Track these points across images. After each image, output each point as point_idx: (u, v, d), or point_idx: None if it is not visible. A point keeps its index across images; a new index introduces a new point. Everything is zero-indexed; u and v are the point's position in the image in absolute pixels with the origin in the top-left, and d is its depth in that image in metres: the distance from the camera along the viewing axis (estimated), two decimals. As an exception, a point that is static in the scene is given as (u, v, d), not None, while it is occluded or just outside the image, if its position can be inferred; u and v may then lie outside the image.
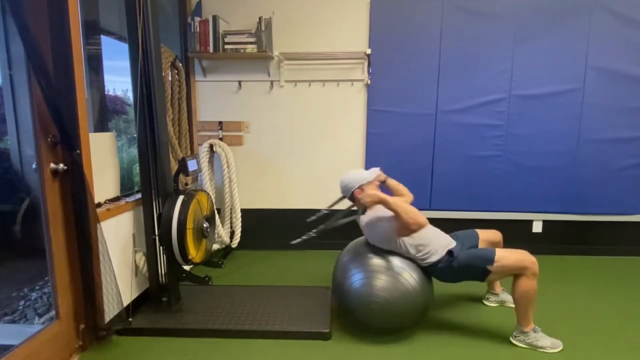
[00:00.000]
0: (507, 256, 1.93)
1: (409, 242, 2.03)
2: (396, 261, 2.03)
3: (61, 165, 1.81)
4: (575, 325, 2.21)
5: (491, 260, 1.93)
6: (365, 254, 2.10)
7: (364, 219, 2.13)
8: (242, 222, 3.27)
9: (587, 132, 3.14)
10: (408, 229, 2.00)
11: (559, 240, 3.29)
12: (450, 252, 2.01)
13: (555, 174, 3.21)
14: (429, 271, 2.07)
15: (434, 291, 2.12)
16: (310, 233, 2.16)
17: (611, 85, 3.08)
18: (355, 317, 2.08)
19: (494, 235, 2.28)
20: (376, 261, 2.04)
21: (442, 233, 2.13)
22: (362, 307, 2.01)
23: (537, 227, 3.32)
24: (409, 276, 1.99)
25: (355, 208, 2.21)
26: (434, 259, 2.02)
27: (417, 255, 2.04)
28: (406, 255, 2.05)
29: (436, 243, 2.05)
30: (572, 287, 2.70)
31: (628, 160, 3.16)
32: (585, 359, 1.91)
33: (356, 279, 2.04)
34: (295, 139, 3.33)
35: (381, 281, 1.98)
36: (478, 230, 2.27)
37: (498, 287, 2.45)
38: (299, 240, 2.18)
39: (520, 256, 1.93)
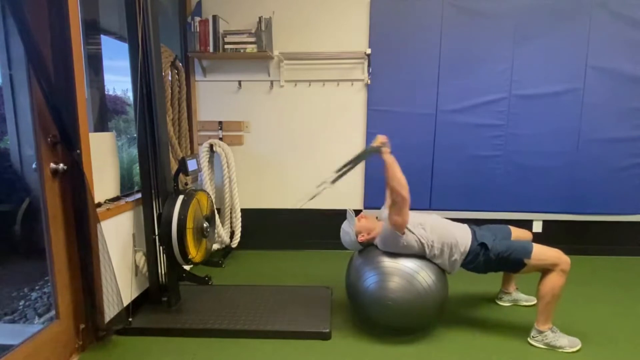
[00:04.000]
0: (544, 252, 1.95)
1: (430, 244, 2.02)
2: (412, 262, 2.01)
3: (61, 165, 1.81)
4: (575, 325, 2.21)
5: (529, 253, 1.94)
6: (379, 256, 2.08)
7: (378, 242, 2.11)
8: (242, 222, 3.27)
9: (587, 132, 3.14)
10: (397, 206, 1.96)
11: (559, 240, 3.29)
12: (484, 245, 2.01)
13: (555, 174, 3.21)
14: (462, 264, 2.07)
15: (448, 292, 2.11)
16: (328, 181, 2.11)
17: (611, 85, 3.08)
18: (369, 317, 2.07)
19: (524, 234, 2.28)
20: (391, 262, 2.02)
21: (453, 224, 2.12)
22: (377, 306, 2.00)
23: (537, 227, 3.32)
24: (426, 275, 1.98)
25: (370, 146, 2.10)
26: (459, 253, 2.02)
27: (445, 255, 2.03)
28: (433, 257, 2.04)
29: (452, 236, 2.03)
30: (573, 287, 2.69)
31: (628, 160, 3.16)
32: (587, 357, 1.92)
33: (371, 280, 2.02)
34: (295, 138, 3.33)
35: (396, 281, 1.97)
36: (511, 227, 2.27)
37: (512, 286, 2.45)
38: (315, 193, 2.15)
39: (556, 254, 1.95)
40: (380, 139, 2.04)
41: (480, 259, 2.02)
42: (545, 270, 1.97)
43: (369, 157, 2.09)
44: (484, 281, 2.73)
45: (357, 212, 2.25)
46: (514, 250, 1.98)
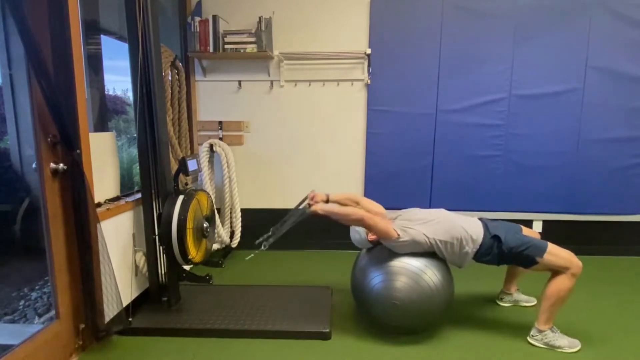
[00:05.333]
0: (558, 253, 1.94)
1: (438, 239, 2.01)
2: (418, 260, 2.00)
3: (61, 165, 1.81)
4: (578, 324, 2.21)
5: (543, 252, 1.94)
6: (384, 255, 2.07)
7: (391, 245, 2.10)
8: (242, 222, 3.27)
9: (587, 132, 3.14)
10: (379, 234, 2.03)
11: (559, 240, 3.23)
12: (497, 238, 2.00)
13: (555, 174, 3.21)
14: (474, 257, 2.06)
15: (454, 291, 2.11)
16: (267, 238, 2.20)
17: (611, 85, 3.08)
18: (375, 316, 2.06)
19: (533, 234, 2.24)
20: (397, 262, 2.02)
21: (461, 217, 2.11)
22: (383, 306, 2.00)
23: (537, 227, 3.32)
24: (432, 274, 1.97)
25: (301, 206, 2.20)
26: (470, 246, 2.01)
27: (455, 249, 2.02)
28: (443, 252, 2.04)
29: (461, 229, 2.02)
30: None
31: (628, 160, 3.16)
32: (587, 358, 1.92)
33: (377, 280, 2.01)
34: (295, 138, 3.33)
35: (403, 280, 1.96)
36: (521, 226, 2.24)
37: (514, 287, 2.45)
38: (258, 249, 2.18)
39: (570, 256, 1.94)
40: (309, 195, 2.12)
41: (494, 251, 2.01)
42: (555, 272, 1.96)
43: (302, 218, 2.13)
44: (484, 281, 2.74)
45: (302, 210, 2.25)
46: (528, 246, 1.96)
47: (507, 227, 2.10)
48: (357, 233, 2.17)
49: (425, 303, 1.96)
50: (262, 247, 2.17)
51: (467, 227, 2.03)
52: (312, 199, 2.20)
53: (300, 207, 2.19)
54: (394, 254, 2.05)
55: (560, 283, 1.92)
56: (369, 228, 2.03)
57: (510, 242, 1.98)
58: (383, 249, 2.10)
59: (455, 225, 2.03)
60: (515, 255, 1.99)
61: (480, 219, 2.14)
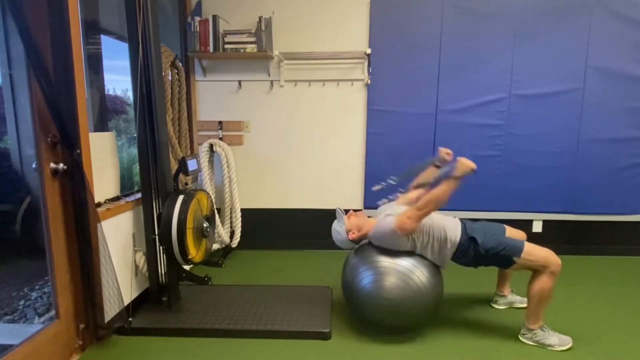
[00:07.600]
0: (535, 252, 1.95)
1: (415, 237, 2.02)
2: (407, 260, 2.01)
3: (61, 165, 1.81)
4: (575, 324, 2.21)
5: (519, 252, 1.94)
6: (374, 255, 2.08)
7: (372, 237, 2.11)
8: (242, 222, 3.27)
9: (587, 132, 3.14)
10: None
11: (559, 240, 3.29)
12: (474, 239, 2.00)
13: (555, 174, 3.21)
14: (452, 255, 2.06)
15: (443, 290, 2.12)
16: (391, 180, 2.26)
17: (611, 85, 3.08)
18: (365, 316, 2.07)
19: (519, 234, 2.25)
20: (386, 262, 2.02)
21: (442, 217, 2.11)
22: (372, 305, 2.00)
23: (537, 227, 3.32)
24: (421, 274, 1.98)
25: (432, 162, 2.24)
26: (448, 247, 2.02)
27: (434, 249, 2.03)
28: (423, 251, 2.04)
29: (441, 229, 2.03)
30: (572, 286, 2.70)
31: (628, 160, 3.16)
32: (587, 357, 1.92)
33: (367, 280, 2.02)
34: (295, 138, 3.33)
35: (392, 280, 1.97)
36: (506, 226, 2.24)
37: (507, 289, 2.44)
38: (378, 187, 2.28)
39: (547, 254, 1.95)
40: (470, 164, 2.00)
41: (470, 252, 2.02)
42: (535, 271, 1.97)
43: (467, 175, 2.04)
44: (480, 283, 2.74)
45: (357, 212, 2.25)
46: (504, 247, 1.98)
47: (487, 228, 2.09)
48: (338, 233, 2.17)
49: (413, 302, 1.96)
50: (391, 182, 2.27)
51: (446, 227, 2.04)
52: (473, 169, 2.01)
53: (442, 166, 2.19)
54: (383, 254, 2.05)
55: (541, 282, 1.94)
56: (421, 217, 1.96)
57: (487, 244, 1.99)
58: (372, 249, 2.11)
59: (435, 225, 2.04)
60: (492, 256, 2.00)
61: (460, 219, 2.14)
